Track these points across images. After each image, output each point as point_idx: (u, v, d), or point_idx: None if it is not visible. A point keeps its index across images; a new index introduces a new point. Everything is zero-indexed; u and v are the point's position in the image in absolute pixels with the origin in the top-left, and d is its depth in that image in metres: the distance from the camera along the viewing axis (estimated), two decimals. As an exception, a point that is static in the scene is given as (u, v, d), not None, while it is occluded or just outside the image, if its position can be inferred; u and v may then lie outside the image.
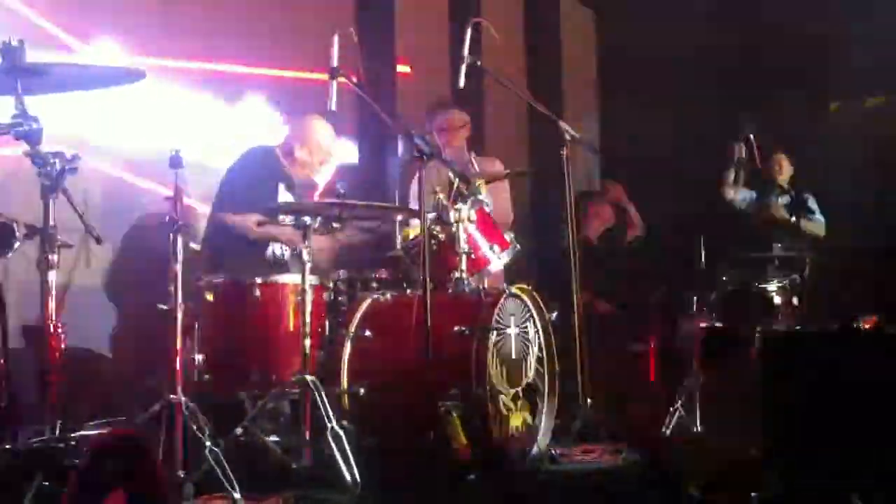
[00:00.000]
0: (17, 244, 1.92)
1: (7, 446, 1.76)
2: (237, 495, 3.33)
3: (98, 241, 2.63)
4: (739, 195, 6.45)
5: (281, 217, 4.24)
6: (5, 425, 2.03)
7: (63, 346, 2.35)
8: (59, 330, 2.34)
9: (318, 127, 4.86)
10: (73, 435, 1.85)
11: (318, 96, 4.70)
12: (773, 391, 3.31)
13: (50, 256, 2.35)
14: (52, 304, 2.35)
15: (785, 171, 6.53)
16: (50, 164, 2.37)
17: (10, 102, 2.38)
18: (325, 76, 4.25)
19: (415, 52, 6.87)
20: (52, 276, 2.35)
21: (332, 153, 4.93)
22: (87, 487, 1.79)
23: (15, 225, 1.91)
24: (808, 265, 5.98)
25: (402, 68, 6.81)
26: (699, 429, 5.14)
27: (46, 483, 1.66)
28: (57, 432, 2.03)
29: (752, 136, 5.92)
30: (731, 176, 5.57)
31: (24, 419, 2.17)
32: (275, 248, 4.67)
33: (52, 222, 2.36)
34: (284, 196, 4.69)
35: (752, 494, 3.12)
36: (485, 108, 7.05)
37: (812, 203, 6.60)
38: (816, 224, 6.52)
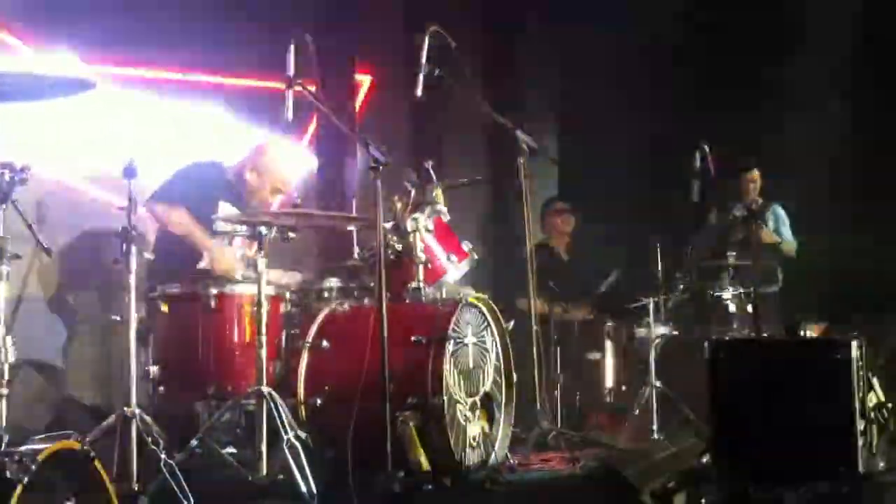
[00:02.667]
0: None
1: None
2: (191, 509, 3.30)
3: (47, 252, 2.59)
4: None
5: (237, 227, 4.22)
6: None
7: (13, 358, 2.31)
8: (9, 342, 2.30)
9: (273, 156, 4.81)
10: (19, 449, 1.82)
11: (273, 104, 4.69)
12: (720, 397, 3.35)
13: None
14: (0, 316, 2.31)
15: (757, 185, 6.61)
16: (-1, 174, 2.34)
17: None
18: (277, 84, 4.23)
19: (374, 60, 6.86)
20: (2, 287, 2.31)
21: (288, 182, 4.86)
22: (34, 501, 1.76)
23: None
24: (762, 273, 6.08)
25: (361, 77, 6.81)
26: (656, 435, 5.18)
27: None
28: (3, 446, 1.99)
29: (705, 146, 5.97)
30: (696, 188, 5.62)
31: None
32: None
33: (0, 233, 2.32)
34: (228, 211, 4.64)
35: (702, 500, 3.15)
36: (444, 118, 7.06)
37: (783, 216, 6.67)
38: (787, 244, 6.61)
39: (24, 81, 2.56)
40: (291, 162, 4.89)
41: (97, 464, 2.04)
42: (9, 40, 4.83)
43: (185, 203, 4.56)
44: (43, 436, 2.40)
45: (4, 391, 2.28)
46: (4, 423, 2.30)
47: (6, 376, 2.29)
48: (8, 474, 1.66)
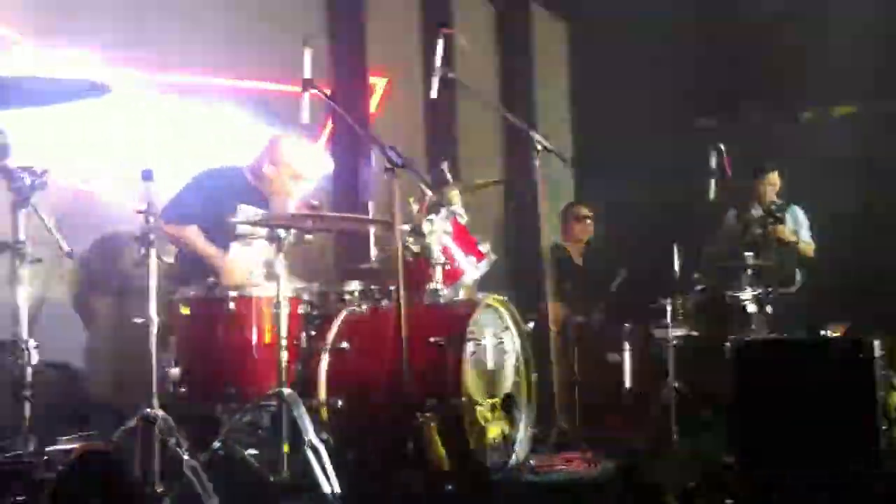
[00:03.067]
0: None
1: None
2: (214, 510, 3.30)
3: (69, 255, 2.60)
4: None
5: (256, 229, 4.23)
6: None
7: (36, 361, 2.32)
8: (32, 345, 2.31)
9: (287, 146, 4.82)
10: (47, 450, 1.82)
11: (293, 107, 4.70)
12: (744, 397, 3.33)
13: (20, 271, 2.32)
14: (23, 319, 2.32)
15: (775, 187, 6.57)
16: (19, 178, 2.35)
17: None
18: (294, 88, 4.23)
19: (387, 63, 6.87)
20: (23, 291, 2.32)
21: (303, 172, 4.86)
22: (62, 500, 1.77)
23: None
24: (780, 274, 6.05)
25: (374, 79, 6.81)
26: (676, 437, 5.16)
27: (21, 498, 1.64)
28: (31, 448, 2.00)
29: (721, 146, 5.95)
30: (712, 188, 5.59)
31: (-1, 435, 2.15)
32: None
33: (21, 237, 2.33)
34: (248, 212, 4.64)
35: (727, 502, 3.13)
36: (457, 119, 7.07)
37: (801, 217, 6.63)
38: (805, 245, 6.57)
39: (40, 86, 2.56)
40: (305, 150, 4.89)
41: (123, 466, 2.04)
42: (24, 43, 4.85)
43: (196, 218, 4.53)
44: (67, 438, 2.42)
45: (28, 393, 2.28)
46: (28, 426, 2.30)
47: (30, 379, 2.30)
48: (37, 476, 1.66)
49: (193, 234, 4.55)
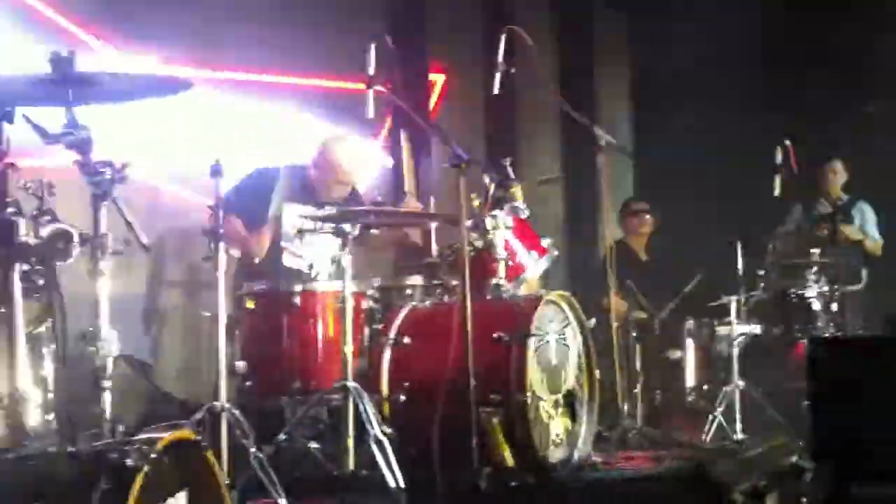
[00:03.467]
0: (76, 251, 1.94)
1: (70, 449, 1.77)
2: (283, 501, 3.33)
3: (146, 249, 2.65)
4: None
5: (319, 225, 4.25)
6: (63, 430, 2.04)
7: (116, 352, 2.36)
8: (112, 336, 2.36)
9: (336, 149, 4.81)
10: (136, 437, 1.86)
11: (350, 103, 4.72)
12: (820, 396, 3.27)
13: (101, 264, 2.37)
14: (104, 311, 2.36)
15: (839, 178, 6.46)
16: (100, 172, 2.39)
17: (60, 112, 2.40)
18: (355, 85, 4.25)
19: (446, 60, 6.88)
20: (105, 284, 2.37)
21: (349, 174, 4.84)
22: (151, 489, 1.80)
23: (74, 232, 1.93)
24: (846, 271, 5.94)
25: (435, 76, 6.82)
26: (740, 436, 5.10)
27: (110, 486, 1.67)
28: (118, 436, 2.04)
29: (787, 141, 5.85)
30: (778, 184, 5.50)
31: (80, 424, 2.20)
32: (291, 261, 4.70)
33: (103, 230, 2.38)
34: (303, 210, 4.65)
35: (803, 500, 3.08)
36: (517, 115, 7.05)
37: (869, 213, 6.51)
38: (873, 242, 6.45)
39: (124, 82, 2.61)
40: (355, 152, 4.88)
41: (209, 455, 2.07)
42: (92, 42, 4.93)
43: (240, 213, 4.54)
44: (153, 426, 2.46)
45: (108, 384, 2.33)
46: (107, 416, 2.35)
47: (110, 370, 2.34)
48: (129, 462, 1.69)
49: (234, 224, 4.55)
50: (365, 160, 4.96)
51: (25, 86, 2.26)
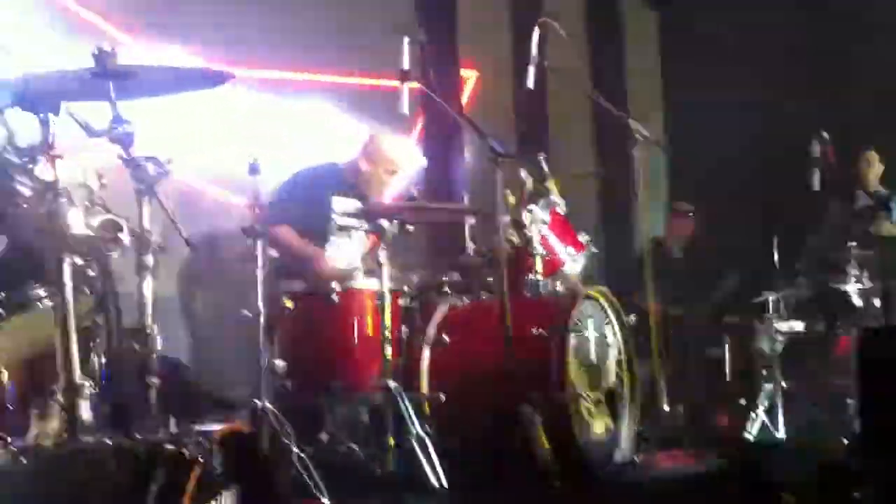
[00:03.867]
0: (126, 241, 1.91)
1: (126, 441, 1.75)
2: (326, 501, 3.30)
3: (188, 244, 2.62)
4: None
5: (356, 221, 4.22)
6: (117, 423, 2.02)
7: (160, 348, 2.34)
8: (157, 332, 2.33)
9: (385, 142, 4.83)
10: (194, 429, 1.84)
11: (383, 101, 4.69)
12: (871, 390, 3.20)
13: (146, 259, 2.34)
14: (148, 308, 2.34)
15: (875, 169, 6.36)
16: (143, 167, 2.37)
17: (102, 107, 2.37)
18: (388, 82, 4.22)
19: (477, 56, 6.84)
20: (149, 279, 2.34)
21: (400, 167, 4.86)
22: (207, 481, 1.78)
23: (124, 223, 1.91)
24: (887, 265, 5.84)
25: (466, 72, 6.78)
26: (782, 433, 5.02)
27: (167, 477, 1.64)
28: (171, 429, 2.02)
29: (824, 133, 5.77)
30: (815, 177, 5.41)
31: (130, 418, 2.18)
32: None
33: (146, 225, 2.35)
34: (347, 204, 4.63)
35: (856, 495, 3.01)
36: (550, 110, 7.00)
37: None
38: None
39: (164, 75, 2.58)
40: (402, 146, 4.89)
41: (262, 449, 2.04)
42: (125, 40, 4.92)
43: (291, 218, 4.54)
44: (209, 418, 2.45)
45: (156, 380, 2.30)
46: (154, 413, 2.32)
47: (155, 366, 2.32)
48: (186, 453, 1.67)
49: (287, 235, 4.55)
50: (408, 151, 4.94)
51: (70, 81, 2.24)
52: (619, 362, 4.39)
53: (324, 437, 3.82)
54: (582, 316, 4.21)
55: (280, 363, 4.02)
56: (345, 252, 4.54)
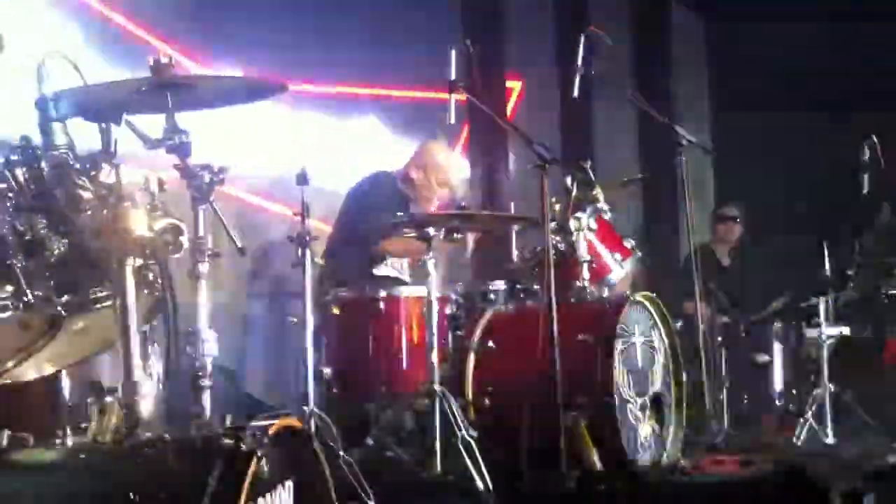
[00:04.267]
0: (186, 244, 1.98)
1: (185, 436, 1.82)
2: (373, 504, 3.35)
3: (242, 252, 2.70)
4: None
5: (404, 230, 4.29)
6: (175, 421, 2.09)
7: (215, 353, 2.41)
8: (211, 337, 2.40)
9: (437, 151, 4.89)
10: (250, 424, 1.90)
11: (428, 112, 4.76)
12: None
13: (201, 266, 2.41)
14: (203, 313, 2.41)
15: None
16: (199, 175, 2.44)
17: (158, 119, 2.45)
18: (439, 94, 4.27)
19: (522, 66, 6.88)
20: (203, 285, 2.41)
21: (451, 176, 4.90)
22: (264, 475, 1.84)
23: (183, 227, 1.98)
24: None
25: (512, 83, 6.83)
26: (831, 439, 4.98)
27: (225, 470, 1.70)
28: (228, 422, 2.09)
29: (874, 137, 5.71)
30: (865, 181, 5.36)
31: (187, 418, 2.25)
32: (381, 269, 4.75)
33: (201, 232, 2.42)
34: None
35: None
36: (594, 116, 7.02)
37: None
38: None
39: (220, 85, 2.66)
40: (453, 157, 4.95)
41: (316, 445, 2.10)
42: (178, 58, 5.02)
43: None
44: (264, 414, 2.51)
45: (208, 382, 2.37)
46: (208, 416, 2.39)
47: (210, 368, 2.39)
48: (244, 446, 1.73)
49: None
50: (460, 163, 4.99)
51: (128, 92, 2.32)
52: (665, 368, 4.39)
53: (370, 441, 3.86)
54: (629, 322, 4.22)
55: (327, 370, 4.08)
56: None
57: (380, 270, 4.79)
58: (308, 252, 3.78)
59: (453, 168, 4.91)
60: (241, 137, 5.07)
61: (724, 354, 5.47)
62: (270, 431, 1.84)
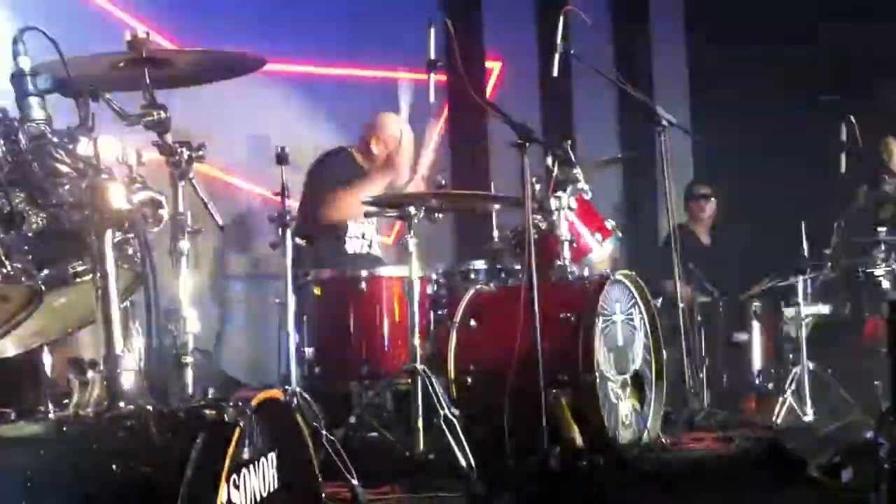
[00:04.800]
0: (165, 218, 1.97)
1: (167, 408, 1.82)
2: (356, 482, 3.35)
3: (221, 229, 2.69)
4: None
5: (383, 209, 4.28)
6: (156, 393, 2.08)
7: (197, 330, 2.40)
8: (192, 315, 2.40)
9: (389, 121, 4.88)
10: (233, 395, 1.89)
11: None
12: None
13: (181, 243, 2.40)
14: (183, 290, 2.40)
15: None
16: (178, 152, 2.42)
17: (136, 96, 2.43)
18: (417, 75, 4.25)
19: (501, 46, 6.86)
20: (184, 262, 2.40)
21: (408, 146, 4.90)
22: (245, 446, 1.84)
23: (163, 199, 1.97)
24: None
25: (491, 64, 6.81)
26: (810, 417, 5.03)
27: (208, 440, 1.70)
28: (210, 394, 2.09)
29: (851, 117, 5.74)
30: (842, 161, 5.39)
31: (165, 395, 2.25)
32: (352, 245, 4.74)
33: (181, 209, 2.41)
34: None
35: (885, 470, 3.01)
36: (574, 96, 7.02)
37: None
38: None
39: (197, 60, 2.63)
40: (406, 126, 4.91)
41: (297, 417, 2.09)
42: (165, 44, 4.99)
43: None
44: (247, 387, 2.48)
45: (190, 359, 2.37)
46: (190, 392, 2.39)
47: (192, 345, 2.38)
48: (227, 418, 1.72)
49: (344, 194, 4.60)
50: (408, 135, 4.94)
51: (105, 67, 2.30)
52: (645, 346, 4.42)
53: (352, 420, 3.86)
54: (609, 300, 4.24)
55: (308, 350, 4.08)
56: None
57: (351, 245, 4.78)
58: (288, 232, 3.77)
59: (409, 137, 4.90)
60: (217, 114, 5.04)
61: (703, 333, 5.49)
62: (254, 402, 1.84)
